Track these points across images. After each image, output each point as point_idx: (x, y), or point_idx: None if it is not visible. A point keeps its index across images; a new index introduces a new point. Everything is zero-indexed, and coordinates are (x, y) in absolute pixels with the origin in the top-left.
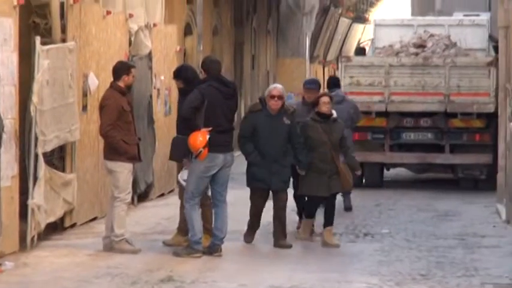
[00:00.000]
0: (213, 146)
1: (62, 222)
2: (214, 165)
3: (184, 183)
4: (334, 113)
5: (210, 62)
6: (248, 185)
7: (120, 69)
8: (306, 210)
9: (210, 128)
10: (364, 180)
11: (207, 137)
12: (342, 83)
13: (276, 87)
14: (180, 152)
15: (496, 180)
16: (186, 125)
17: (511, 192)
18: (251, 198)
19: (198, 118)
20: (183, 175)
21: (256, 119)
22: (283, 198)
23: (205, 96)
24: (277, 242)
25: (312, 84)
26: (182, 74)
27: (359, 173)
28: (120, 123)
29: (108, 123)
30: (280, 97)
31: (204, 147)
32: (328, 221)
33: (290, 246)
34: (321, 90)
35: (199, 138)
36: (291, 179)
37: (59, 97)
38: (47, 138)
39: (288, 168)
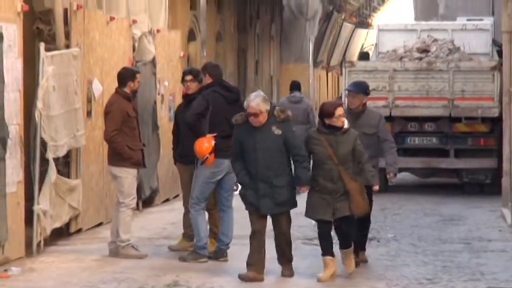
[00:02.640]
0: (218, 151)
1: (68, 228)
2: (220, 171)
3: None
4: (346, 123)
5: (212, 67)
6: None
7: (126, 76)
8: (319, 243)
9: (215, 134)
10: None
11: (213, 142)
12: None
13: (252, 103)
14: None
15: (501, 184)
16: (191, 131)
17: None
18: (250, 220)
19: (203, 124)
20: None
21: (240, 133)
22: (282, 223)
23: (210, 102)
24: (282, 271)
25: (355, 87)
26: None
27: (376, 188)
28: (125, 128)
29: (113, 129)
30: (257, 115)
31: (210, 153)
32: (342, 244)
33: (292, 275)
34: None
35: (205, 144)
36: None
37: (65, 103)
38: (58, 144)
39: (285, 188)
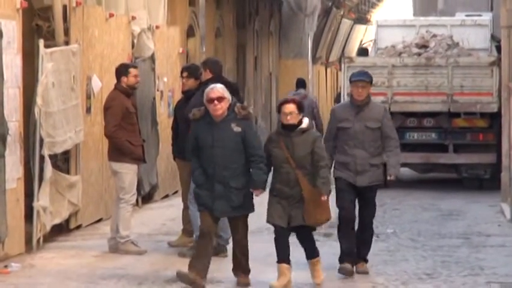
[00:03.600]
0: None
1: (68, 224)
2: None
3: None
4: (305, 122)
5: (213, 62)
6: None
7: (118, 71)
8: (275, 249)
9: None
10: None
11: None
12: (345, 84)
13: (215, 87)
14: None
15: (500, 179)
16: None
17: None
18: (200, 221)
19: None
20: None
21: (197, 128)
22: (239, 227)
23: None
24: (237, 281)
25: (366, 76)
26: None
27: (324, 198)
28: (125, 124)
29: (113, 124)
30: (221, 98)
31: None
32: (306, 254)
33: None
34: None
35: None
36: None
37: (65, 99)
38: (55, 140)
39: (243, 190)
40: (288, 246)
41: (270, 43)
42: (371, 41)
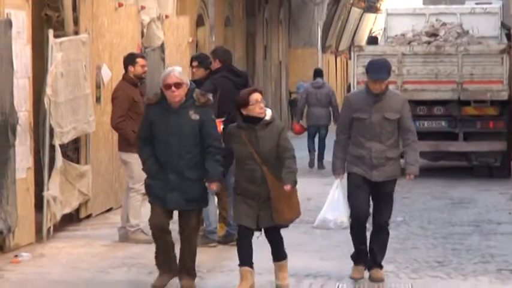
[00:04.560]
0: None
1: (78, 213)
2: None
3: None
4: (269, 113)
5: (223, 52)
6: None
7: (126, 60)
8: (237, 252)
9: (224, 119)
10: None
11: (221, 127)
12: (355, 73)
13: (172, 72)
14: None
15: (510, 167)
16: None
17: None
18: (151, 215)
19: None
20: None
21: (152, 114)
22: (190, 223)
23: (218, 86)
24: (180, 285)
25: (384, 73)
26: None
27: (287, 188)
28: (132, 114)
29: (119, 115)
30: (179, 84)
31: None
32: (273, 255)
33: None
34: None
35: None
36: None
37: (74, 89)
38: (64, 130)
39: (198, 182)
40: (252, 249)
41: (280, 32)
42: (381, 29)
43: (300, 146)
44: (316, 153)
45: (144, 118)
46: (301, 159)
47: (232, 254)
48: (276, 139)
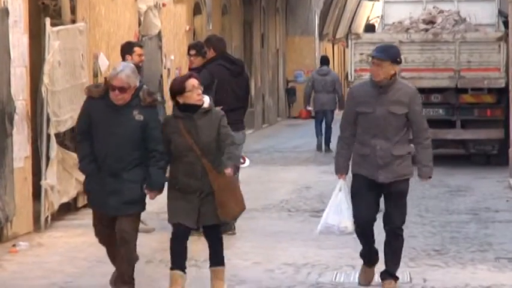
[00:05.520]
0: None
1: (75, 203)
2: None
3: None
4: (206, 100)
5: (217, 40)
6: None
7: (123, 49)
8: (170, 253)
9: (221, 107)
10: None
11: None
12: (352, 60)
13: (120, 74)
14: None
15: (508, 155)
16: None
17: None
18: (93, 222)
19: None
20: None
21: (93, 109)
22: (126, 227)
23: (215, 75)
24: None
25: (380, 52)
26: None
27: (227, 171)
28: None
29: None
30: (123, 89)
31: None
32: (212, 259)
33: None
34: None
35: None
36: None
37: (71, 78)
38: (60, 119)
39: (138, 184)
40: (186, 251)
41: (277, 20)
42: (378, 17)
43: (306, 132)
44: (323, 137)
45: (84, 111)
46: (308, 144)
47: (229, 243)
48: (217, 128)
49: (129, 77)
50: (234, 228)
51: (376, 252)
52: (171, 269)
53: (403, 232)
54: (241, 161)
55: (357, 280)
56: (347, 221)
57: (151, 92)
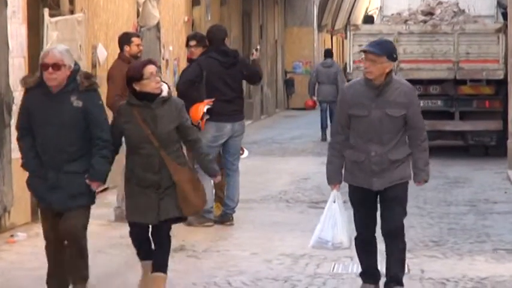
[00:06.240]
0: (218, 115)
1: None
2: (222, 135)
3: None
4: (165, 88)
5: (213, 31)
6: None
7: (121, 40)
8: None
9: (213, 99)
10: None
11: (206, 108)
12: (351, 52)
13: (52, 50)
14: None
15: (506, 146)
16: (182, 98)
17: None
18: (41, 220)
19: (200, 90)
20: None
21: (30, 101)
22: (72, 222)
23: (204, 67)
24: None
25: (374, 47)
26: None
27: (217, 179)
28: (127, 93)
29: (114, 94)
30: (58, 66)
31: (201, 119)
32: (155, 263)
33: None
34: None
35: (199, 109)
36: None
37: None
38: None
39: (83, 176)
40: (150, 243)
41: (276, 11)
42: (377, 8)
43: (305, 123)
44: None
45: (22, 105)
46: (307, 136)
47: (228, 233)
48: (177, 119)
49: (62, 53)
50: (232, 219)
51: (376, 268)
52: (140, 259)
53: (404, 233)
54: (240, 151)
55: (355, 271)
56: (342, 236)
57: (89, 74)
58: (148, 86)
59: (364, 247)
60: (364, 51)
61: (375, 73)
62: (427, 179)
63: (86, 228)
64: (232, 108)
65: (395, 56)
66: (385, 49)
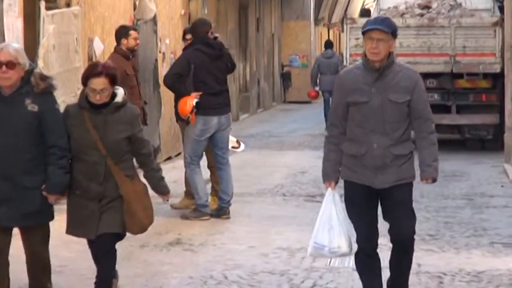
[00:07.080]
0: (206, 109)
1: None
2: (208, 128)
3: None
4: (120, 94)
5: (196, 24)
6: None
7: (119, 33)
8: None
9: (201, 93)
10: None
11: (195, 101)
12: (348, 45)
13: (5, 48)
14: None
15: (503, 140)
16: (171, 91)
17: None
18: None
19: (187, 83)
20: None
21: None
22: (34, 240)
23: (191, 60)
24: None
25: (381, 24)
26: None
27: (166, 199)
28: (124, 87)
29: None
30: (12, 64)
31: (191, 113)
32: (101, 276)
33: None
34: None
35: (189, 103)
36: None
37: (65, 62)
38: None
39: (39, 191)
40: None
41: (272, 4)
42: (373, 2)
43: (301, 117)
44: None
45: None
46: (304, 129)
47: (225, 227)
48: (129, 128)
49: (17, 51)
50: (229, 212)
51: (381, 285)
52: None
53: (413, 245)
54: (236, 145)
55: (351, 264)
56: (339, 240)
57: (45, 75)
58: (89, 95)
59: (367, 266)
60: (370, 30)
61: (382, 53)
62: (435, 177)
63: (47, 242)
64: (219, 102)
65: (397, 33)
66: (391, 26)
